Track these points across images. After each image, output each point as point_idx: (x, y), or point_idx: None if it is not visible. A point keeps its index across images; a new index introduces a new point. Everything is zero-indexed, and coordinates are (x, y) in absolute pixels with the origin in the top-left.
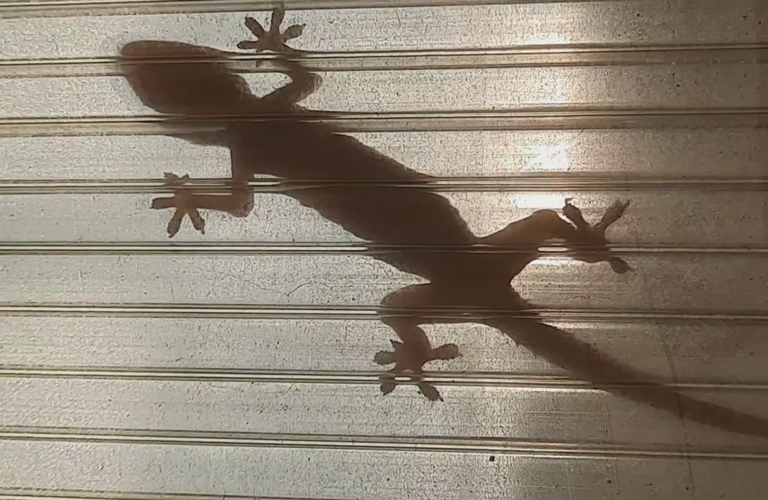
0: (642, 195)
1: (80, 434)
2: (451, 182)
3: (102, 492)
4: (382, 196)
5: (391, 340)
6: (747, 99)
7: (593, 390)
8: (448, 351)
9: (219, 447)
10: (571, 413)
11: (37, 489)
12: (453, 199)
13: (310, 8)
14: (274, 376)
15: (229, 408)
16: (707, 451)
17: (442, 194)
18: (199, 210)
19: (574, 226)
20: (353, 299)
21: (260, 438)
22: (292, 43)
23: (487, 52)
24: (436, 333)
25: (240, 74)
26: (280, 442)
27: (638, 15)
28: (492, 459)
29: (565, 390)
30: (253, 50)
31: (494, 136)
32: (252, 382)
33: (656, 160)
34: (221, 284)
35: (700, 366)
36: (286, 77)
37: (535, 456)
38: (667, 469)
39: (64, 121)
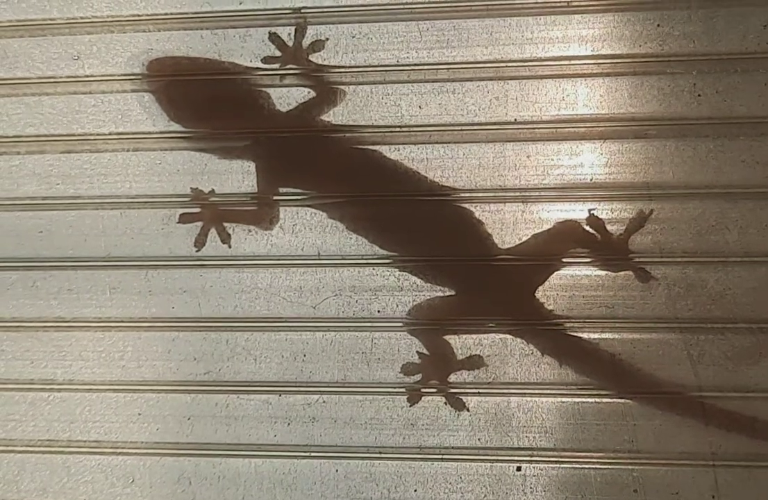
0: (665, 204)
1: (111, 448)
2: (474, 194)
3: None
4: (406, 208)
5: (417, 352)
6: None
7: (618, 400)
8: (474, 362)
9: (248, 459)
10: (596, 423)
11: None
12: (476, 211)
13: (333, 23)
14: (302, 389)
15: (257, 421)
16: (733, 460)
17: (466, 206)
18: (225, 224)
19: (598, 236)
20: (379, 311)
21: (288, 450)
22: (315, 58)
23: (509, 64)
24: (461, 344)
25: (264, 89)
26: (307, 454)
27: (659, 25)
28: (519, 469)
29: (590, 400)
30: (276, 65)
31: (516, 148)
32: (279, 395)
33: (678, 170)
34: (248, 298)
35: (724, 375)
36: (309, 91)
37: (562, 466)
38: (692, 478)
39: (91, 137)
